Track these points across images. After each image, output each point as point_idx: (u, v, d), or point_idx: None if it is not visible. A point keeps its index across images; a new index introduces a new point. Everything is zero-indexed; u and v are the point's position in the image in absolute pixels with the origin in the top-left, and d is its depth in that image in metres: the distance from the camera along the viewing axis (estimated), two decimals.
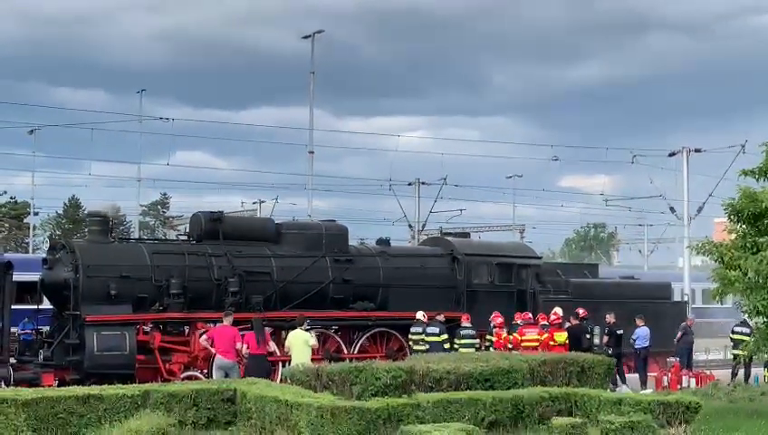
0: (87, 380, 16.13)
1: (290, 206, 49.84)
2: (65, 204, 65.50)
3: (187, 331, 18.89)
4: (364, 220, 70.07)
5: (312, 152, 35.81)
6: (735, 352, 21.66)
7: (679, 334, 22.61)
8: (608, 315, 21.00)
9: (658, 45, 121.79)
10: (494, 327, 19.99)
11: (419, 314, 19.78)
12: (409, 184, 43.11)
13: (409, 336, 19.98)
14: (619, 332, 20.85)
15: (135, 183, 46.57)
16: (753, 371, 21.63)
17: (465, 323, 20.02)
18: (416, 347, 19.45)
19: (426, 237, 32.64)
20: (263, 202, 51.00)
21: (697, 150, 32.49)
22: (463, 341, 19.52)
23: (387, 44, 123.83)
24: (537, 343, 19.34)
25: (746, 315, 16.06)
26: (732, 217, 14.72)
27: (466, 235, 26.15)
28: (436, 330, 19.54)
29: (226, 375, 16.18)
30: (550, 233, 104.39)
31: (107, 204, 21.48)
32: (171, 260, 18.89)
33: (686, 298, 29.59)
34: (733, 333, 22.21)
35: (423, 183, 42.87)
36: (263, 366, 16.94)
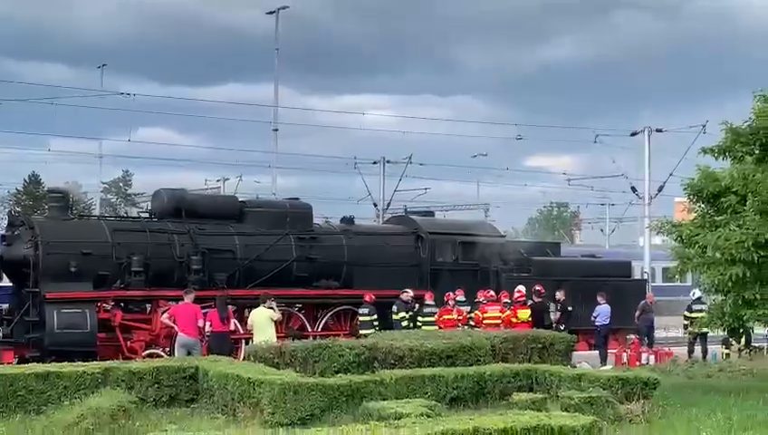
0: (47, 357, 15.96)
1: (254, 184, 49.53)
2: (25, 180, 64.53)
3: (148, 308, 18.79)
4: (329, 199, 69.66)
5: (277, 130, 35.55)
6: (692, 329, 21.90)
7: (637, 313, 22.81)
8: (558, 292, 21.19)
9: (626, 25, 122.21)
10: (445, 303, 20.05)
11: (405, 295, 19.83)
12: (374, 162, 42.94)
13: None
14: (569, 308, 21.06)
15: (96, 160, 46.07)
16: (711, 348, 21.97)
17: (429, 301, 20.14)
18: (404, 324, 19.22)
19: (390, 216, 32.64)
20: (227, 180, 50.49)
21: (659, 130, 32.69)
22: (426, 318, 19.65)
23: (357, 22, 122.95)
24: (499, 321, 19.52)
25: (703, 293, 16.25)
26: (691, 196, 14.88)
27: (431, 213, 26.25)
28: (394, 308, 19.65)
29: (189, 353, 16.14)
30: (514, 212, 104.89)
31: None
32: (132, 237, 18.73)
33: (645, 276, 29.90)
34: (690, 311, 22.42)
35: (388, 162, 42.71)
36: (225, 344, 16.91)
